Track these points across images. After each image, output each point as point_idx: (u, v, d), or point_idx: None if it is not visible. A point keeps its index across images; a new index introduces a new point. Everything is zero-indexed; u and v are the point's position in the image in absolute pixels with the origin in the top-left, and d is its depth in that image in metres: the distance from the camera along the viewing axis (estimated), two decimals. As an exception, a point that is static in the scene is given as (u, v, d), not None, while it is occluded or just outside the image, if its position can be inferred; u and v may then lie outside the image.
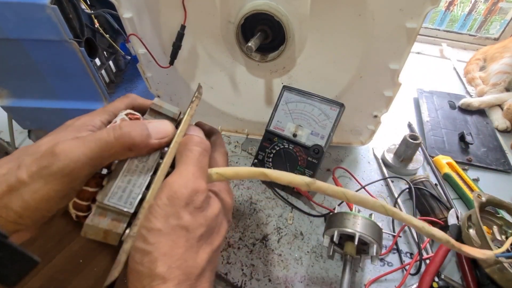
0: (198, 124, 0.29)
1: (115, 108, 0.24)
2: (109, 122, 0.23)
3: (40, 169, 0.17)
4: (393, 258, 0.43)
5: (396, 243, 0.44)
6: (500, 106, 0.71)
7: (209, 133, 0.29)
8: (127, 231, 0.20)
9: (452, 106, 0.72)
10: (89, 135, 0.19)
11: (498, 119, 0.68)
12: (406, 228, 0.46)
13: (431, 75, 0.86)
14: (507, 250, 0.35)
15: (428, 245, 0.43)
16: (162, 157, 0.22)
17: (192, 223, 0.19)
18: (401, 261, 0.43)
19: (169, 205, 0.19)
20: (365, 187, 0.50)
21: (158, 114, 0.24)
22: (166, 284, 0.17)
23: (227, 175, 0.24)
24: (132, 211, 0.20)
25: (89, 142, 0.19)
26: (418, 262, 0.41)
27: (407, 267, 0.40)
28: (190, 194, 0.20)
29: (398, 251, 0.44)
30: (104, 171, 0.22)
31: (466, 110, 0.71)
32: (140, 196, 0.21)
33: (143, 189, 0.21)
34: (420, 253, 0.40)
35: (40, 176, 0.17)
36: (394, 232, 0.46)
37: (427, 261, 0.40)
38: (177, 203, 0.19)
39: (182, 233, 0.19)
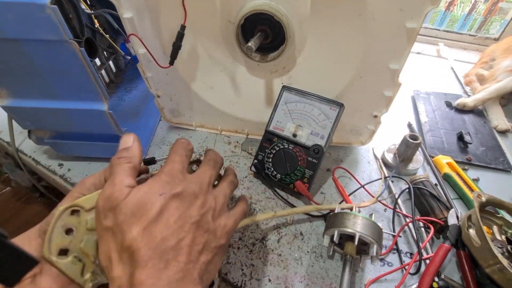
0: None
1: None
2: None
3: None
4: (393, 258, 0.43)
5: (396, 243, 0.44)
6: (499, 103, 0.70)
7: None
8: None
9: (449, 106, 0.72)
10: None
11: (497, 119, 0.68)
12: (406, 228, 0.46)
13: (429, 75, 0.86)
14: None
15: (428, 245, 0.43)
16: None
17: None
18: (401, 261, 0.43)
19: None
20: (365, 186, 0.50)
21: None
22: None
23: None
24: None
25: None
26: (417, 262, 0.41)
27: (407, 267, 0.40)
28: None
29: (398, 251, 0.44)
30: None
31: (463, 110, 0.71)
32: None
33: None
34: (419, 253, 0.40)
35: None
36: (394, 232, 0.46)
37: (427, 261, 0.40)
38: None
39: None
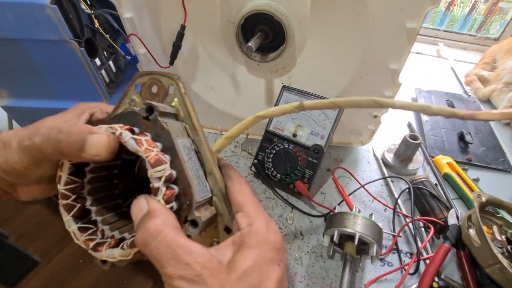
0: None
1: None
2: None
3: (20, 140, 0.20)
4: (393, 258, 0.43)
5: (396, 243, 0.44)
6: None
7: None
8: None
9: (450, 106, 0.72)
10: (45, 129, 0.20)
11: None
12: (406, 228, 0.46)
13: (429, 75, 0.86)
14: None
15: (428, 245, 0.43)
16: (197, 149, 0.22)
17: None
18: (401, 261, 0.43)
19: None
20: (365, 186, 0.50)
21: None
22: None
23: (234, 134, 0.24)
24: (210, 194, 0.21)
25: (39, 136, 0.19)
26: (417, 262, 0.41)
27: (406, 267, 0.40)
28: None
29: (398, 251, 0.44)
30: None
31: (465, 109, 0.71)
32: (207, 182, 0.21)
33: (202, 173, 0.21)
34: (418, 253, 0.40)
35: (18, 145, 0.19)
36: (394, 232, 0.46)
37: (427, 261, 0.40)
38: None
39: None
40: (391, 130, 0.65)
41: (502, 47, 0.81)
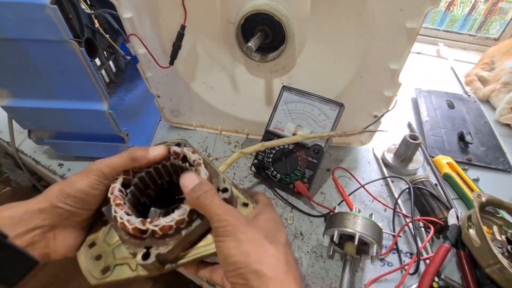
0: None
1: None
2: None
3: (85, 170, 0.28)
4: (393, 258, 0.43)
5: (396, 243, 0.44)
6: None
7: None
8: None
9: (450, 106, 0.72)
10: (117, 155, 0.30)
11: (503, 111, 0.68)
12: (406, 228, 0.46)
13: (429, 75, 0.86)
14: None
15: (428, 245, 0.43)
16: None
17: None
18: (401, 261, 0.43)
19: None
20: (365, 186, 0.50)
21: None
22: None
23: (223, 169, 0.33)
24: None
25: (115, 157, 0.29)
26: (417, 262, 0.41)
27: (406, 267, 0.40)
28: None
29: (398, 251, 0.44)
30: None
31: (465, 109, 0.71)
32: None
33: None
34: (418, 253, 0.40)
35: (83, 173, 0.28)
36: (394, 232, 0.46)
37: (427, 261, 0.40)
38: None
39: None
40: (391, 130, 0.65)
41: (500, 49, 0.81)
